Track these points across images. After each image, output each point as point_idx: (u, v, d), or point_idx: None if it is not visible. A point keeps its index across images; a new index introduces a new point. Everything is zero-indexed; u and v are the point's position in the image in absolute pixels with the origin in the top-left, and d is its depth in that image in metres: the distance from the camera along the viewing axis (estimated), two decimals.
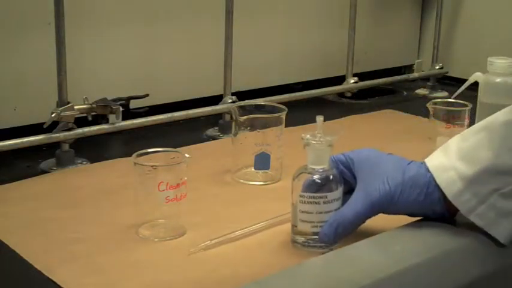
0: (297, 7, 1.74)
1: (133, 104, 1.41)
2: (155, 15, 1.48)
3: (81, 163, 1.22)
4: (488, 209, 0.81)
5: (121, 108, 1.28)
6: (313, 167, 0.87)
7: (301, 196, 0.87)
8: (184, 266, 0.86)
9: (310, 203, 0.86)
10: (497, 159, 0.81)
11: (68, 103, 1.20)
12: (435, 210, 0.85)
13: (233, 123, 1.14)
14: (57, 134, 1.20)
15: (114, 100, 1.31)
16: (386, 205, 0.86)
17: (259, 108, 1.15)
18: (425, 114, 1.33)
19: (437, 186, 0.85)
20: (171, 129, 1.42)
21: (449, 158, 0.85)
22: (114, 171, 1.17)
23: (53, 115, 1.19)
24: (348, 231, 0.86)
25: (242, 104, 1.17)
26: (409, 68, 2.00)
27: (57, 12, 1.17)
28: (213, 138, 1.41)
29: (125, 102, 1.36)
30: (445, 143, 0.89)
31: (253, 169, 1.14)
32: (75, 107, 1.21)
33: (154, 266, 0.86)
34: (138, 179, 0.92)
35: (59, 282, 0.81)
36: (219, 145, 1.36)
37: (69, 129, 1.21)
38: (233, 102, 1.39)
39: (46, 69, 1.25)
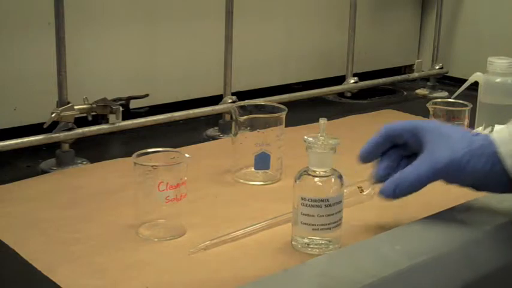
0: (297, 7, 1.74)
1: (133, 104, 1.41)
2: (155, 15, 1.48)
3: (81, 163, 1.22)
4: None
5: (121, 108, 1.28)
6: (315, 169, 0.87)
7: (302, 199, 0.87)
8: (184, 266, 0.86)
9: (312, 206, 0.86)
10: None
11: (68, 103, 1.20)
12: (499, 181, 0.86)
13: (233, 123, 1.14)
14: (57, 134, 1.20)
15: (114, 100, 1.31)
16: (452, 172, 0.86)
17: (259, 108, 1.15)
18: (425, 114, 1.33)
19: (502, 155, 0.86)
20: (171, 129, 1.42)
21: None
22: (114, 171, 1.17)
23: (53, 115, 1.19)
24: (407, 192, 0.87)
25: (242, 104, 1.17)
26: (409, 68, 2.00)
27: (57, 12, 1.17)
28: (213, 138, 1.41)
29: (125, 102, 1.36)
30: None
31: (253, 169, 1.14)
32: (75, 107, 1.21)
33: (154, 266, 0.86)
34: (138, 179, 0.92)
35: (58, 283, 0.81)
36: (219, 145, 1.36)
37: (69, 129, 1.21)
38: (233, 102, 1.39)
39: (46, 69, 1.25)
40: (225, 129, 1.40)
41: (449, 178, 0.87)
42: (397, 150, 0.93)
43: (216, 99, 1.44)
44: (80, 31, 1.33)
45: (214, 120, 1.44)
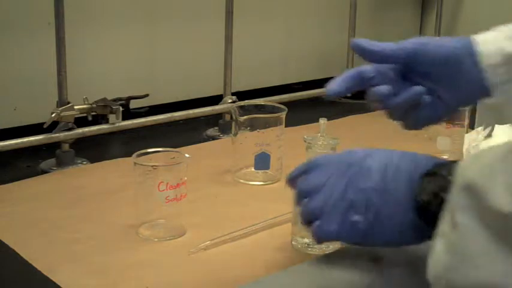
0: (297, 7, 1.74)
1: (133, 104, 1.41)
2: (155, 15, 1.48)
3: (81, 163, 1.22)
4: None
5: (121, 108, 1.28)
6: None
7: None
8: (184, 266, 0.86)
9: None
10: None
11: (68, 103, 1.20)
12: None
13: (233, 123, 1.14)
14: (57, 134, 1.20)
15: (114, 100, 1.31)
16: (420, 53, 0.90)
17: (259, 108, 1.15)
18: None
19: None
20: (171, 129, 1.42)
21: (497, 35, 0.87)
22: (114, 171, 1.16)
23: (53, 115, 1.19)
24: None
25: (242, 104, 1.17)
26: None
27: (57, 12, 1.17)
28: (213, 138, 1.41)
29: (125, 102, 1.36)
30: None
31: (253, 169, 1.14)
32: (75, 107, 1.21)
33: (154, 266, 0.86)
34: (138, 179, 0.92)
35: (58, 283, 0.81)
36: (219, 145, 1.36)
37: (69, 129, 1.21)
38: (233, 102, 1.39)
39: (46, 69, 1.25)
40: (225, 129, 1.40)
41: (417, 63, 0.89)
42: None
43: (216, 99, 1.44)
44: (80, 31, 1.33)
45: (214, 120, 1.44)
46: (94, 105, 1.26)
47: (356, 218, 0.73)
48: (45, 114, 1.21)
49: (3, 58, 1.28)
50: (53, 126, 1.20)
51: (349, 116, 1.56)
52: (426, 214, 0.69)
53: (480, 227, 0.60)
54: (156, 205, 0.92)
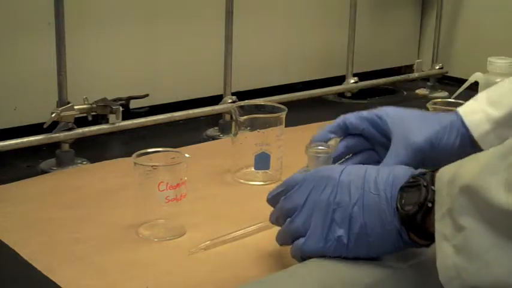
0: (297, 7, 1.74)
1: (133, 104, 1.41)
2: (155, 15, 1.48)
3: (81, 163, 1.22)
4: None
5: (121, 108, 1.28)
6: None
7: None
8: (184, 266, 0.86)
9: None
10: None
11: (68, 103, 1.20)
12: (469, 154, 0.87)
13: (233, 123, 1.14)
14: (57, 134, 1.20)
15: (114, 100, 1.31)
16: (428, 152, 0.87)
17: (259, 108, 1.15)
18: None
19: (467, 128, 0.88)
20: (171, 129, 1.42)
21: (479, 103, 0.90)
22: (114, 171, 1.16)
23: (53, 115, 1.19)
24: None
25: (242, 104, 1.17)
26: (409, 68, 2.00)
27: (57, 12, 1.17)
28: (213, 138, 1.41)
29: (125, 102, 1.36)
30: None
31: (253, 169, 1.14)
32: (75, 107, 1.21)
33: (154, 266, 0.86)
34: (138, 179, 0.92)
35: (58, 283, 0.81)
36: (219, 145, 1.36)
37: (69, 129, 1.21)
38: (233, 102, 1.39)
39: (46, 69, 1.25)
40: (225, 129, 1.40)
41: (426, 159, 0.87)
42: (353, 139, 0.93)
43: (216, 99, 1.44)
44: (80, 31, 1.33)
45: (214, 120, 1.44)
46: (94, 105, 1.26)
47: (340, 232, 0.74)
48: (45, 114, 1.21)
49: (3, 58, 1.28)
50: (53, 126, 1.20)
51: None
52: (410, 224, 0.70)
53: (485, 227, 0.61)
54: (156, 205, 0.92)
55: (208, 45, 1.54)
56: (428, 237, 0.70)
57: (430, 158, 0.87)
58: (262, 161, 1.13)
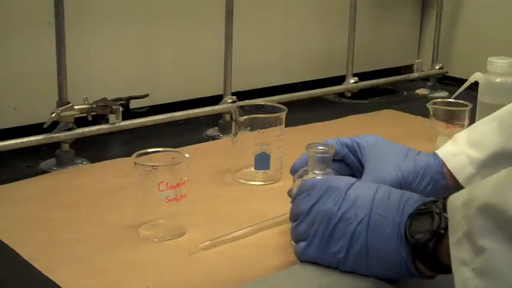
0: (297, 7, 1.74)
1: (133, 104, 1.41)
2: (155, 15, 1.48)
3: (81, 163, 1.22)
4: None
5: (121, 108, 1.28)
6: (316, 171, 0.87)
7: None
8: (184, 266, 0.86)
9: None
10: (508, 144, 0.82)
11: (68, 103, 1.20)
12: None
13: (233, 123, 1.14)
14: (57, 134, 1.20)
15: (114, 100, 1.31)
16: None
17: (259, 108, 1.15)
18: (425, 114, 1.34)
19: (444, 174, 0.87)
20: (171, 129, 1.42)
21: (459, 146, 0.89)
22: (114, 171, 1.16)
23: (53, 115, 1.19)
24: None
25: (242, 104, 1.17)
26: (409, 68, 2.00)
27: (57, 12, 1.17)
28: (213, 138, 1.41)
29: (125, 102, 1.36)
30: (451, 138, 0.91)
31: (253, 169, 1.14)
32: (75, 107, 1.21)
33: (154, 266, 0.86)
34: (138, 179, 0.92)
35: (58, 282, 0.81)
36: (219, 145, 1.36)
37: (69, 129, 1.21)
38: (233, 102, 1.39)
39: (46, 69, 1.25)
40: (225, 129, 1.40)
41: None
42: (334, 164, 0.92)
43: (216, 99, 1.44)
44: (80, 31, 1.33)
45: (214, 120, 1.44)
46: (94, 105, 1.26)
47: (338, 247, 0.74)
48: (45, 114, 1.21)
49: (3, 58, 1.28)
50: (53, 126, 1.20)
51: (349, 116, 1.56)
52: (420, 252, 0.69)
53: (506, 244, 0.59)
54: (156, 205, 0.92)
55: (208, 45, 1.54)
56: (438, 267, 0.69)
57: None
58: (262, 161, 1.13)
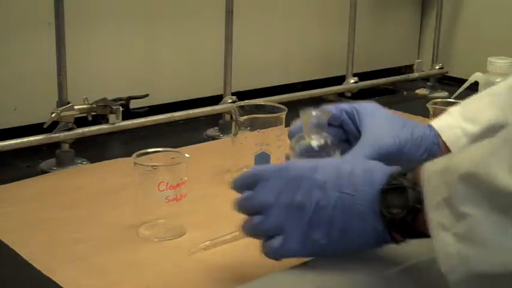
0: (297, 7, 1.74)
1: (133, 104, 1.41)
2: (155, 15, 1.48)
3: (81, 163, 1.22)
4: None
5: (121, 108, 1.28)
6: (311, 135, 0.88)
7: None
8: (184, 266, 0.86)
9: None
10: (500, 118, 0.84)
11: (68, 103, 1.20)
12: None
13: (233, 123, 1.14)
14: (57, 134, 1.20)
15: (114, 100, 1.31)
16: (392, 158, 0.86)
17: (259, 108, 1.15)
18: (426, 114, 1.33)
19: (439, 145, 0.88)
20: (171, 129, 1.42)
21: (454, 119, 0.90)
22: (114, 171, 1.16)
23: (53, 115, 1.19)
24: None
25: (242, 104, 1.17)
26: (409, 68, 2.00)
27: (57, 12, 1.17)
28: (213, 138, 1.41)
29: (125, 102, 1.36)
30: (445, 112, 0.93)
31: None
32: (75, 107, 1.21)
33: (154, 266, 0.86)
34: (138, 179, 0.92)
35: (59, 282, 0.81)
36: (219, 145, 1.36)
37: (69, 129, 1.21)
38: (233, 102, 1.39)
39: (46, 69, 1.25)
40: (225, 129, 1.40)
41: (388, 163, 0.87)
42: (332, 129, 0.92)
43: (216, 99, 1.44)
44: (80, 31, 1.33)
45: (214, 120, 1.44)
46: (94, 105, 1.26)
47: (318, 235, 0.73)
48: (45, 114, 1.21)
49: (3, 58, 1.28)
50: (53, 126, 1.20)
51: None
52: (398, 225, 0.70)
53: (490, 212, 0.60)
54: (156, 205, 0.92)
55: (208, 45, 1.54)
56: (414, 235, 0.70)
57: (392, 162, 0.86)
58: (262, 161, 1.13)
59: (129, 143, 1.36)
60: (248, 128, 1.13)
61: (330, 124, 0.91)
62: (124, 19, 1.43)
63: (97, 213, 1.01)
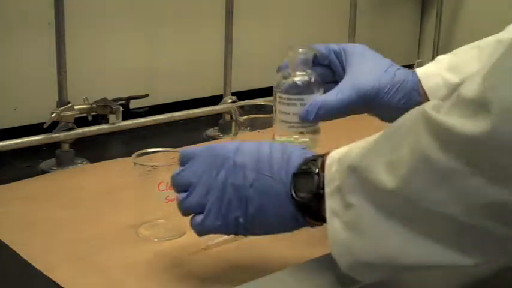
0: (297, 7, 1.74)
1: (133, 104, 1.41)
2: (155, 15, 1.48)
3: (81, 163, 1.22)
4: None
5: (121, 108, 1.28)
6: (296, 72, 0.90)
7: (279, 97, 0.91)
8: (184, 266, 0.86)
9: (288, 104, 0.90)
10: None
11: (68, 103, 1.20)
12: None
13: (233, 123, 1.14)
14: (57, 134, 1.20)
15: (114, 100, 1.31)
16: (371, 100, 0.88)
17: (259, 108, 1.15)
18: None
19: (420, 92, 0.90)
20: (171, 129, 1.42)
21: (439, 67, 0.91)
22: (114, 171, 1.17)
23: (53, 115, 1.19)
24: (329, 115, 0.89)
25: (242, 104, 1.16)
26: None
27: (57, 12, 1.17)
28: (213, 138, 1.41)
29: (125, 102, 1.36)
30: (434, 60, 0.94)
31: None
32: (75, 107, 1.21)
33: (154, 266, 0.86)
34: (138, 179, 0.92)
35: (59, 282, 0.81)
36: None
37: (69, 129, 1.21)
38: (233, 102, 1.39)
39: (46, 69, 1.25)
40: (225, 129, 1.40)
41: (368, 105, 0.89)
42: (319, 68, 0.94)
43: (216, 99, 1.44)
44: (80, 31, 1.33)
45: (214, 120, 1.44)
46: (94, 105, 1.26)
47: (237, 214, 0.75)
48: (45, 114, 1.21)
49: (3, 58, 1.28)
50: (53, 126, 1.20)
51: (349, 116, 1.56)
52: (306, 209, 0.73)
53: (370, 205, 0.64)
54: (156, 205, 0.92)
55: (208, 45, 1.54)
56: (322, 220, 0.72)
57: (373, 106, 0.89)
58: None
59: (129, 143, 1.36)
60: (248, 128, 1.12)
61: (318, 64, 0.92)
62: (124, 19, 1.43)
63: (97, 213, 1.01)
